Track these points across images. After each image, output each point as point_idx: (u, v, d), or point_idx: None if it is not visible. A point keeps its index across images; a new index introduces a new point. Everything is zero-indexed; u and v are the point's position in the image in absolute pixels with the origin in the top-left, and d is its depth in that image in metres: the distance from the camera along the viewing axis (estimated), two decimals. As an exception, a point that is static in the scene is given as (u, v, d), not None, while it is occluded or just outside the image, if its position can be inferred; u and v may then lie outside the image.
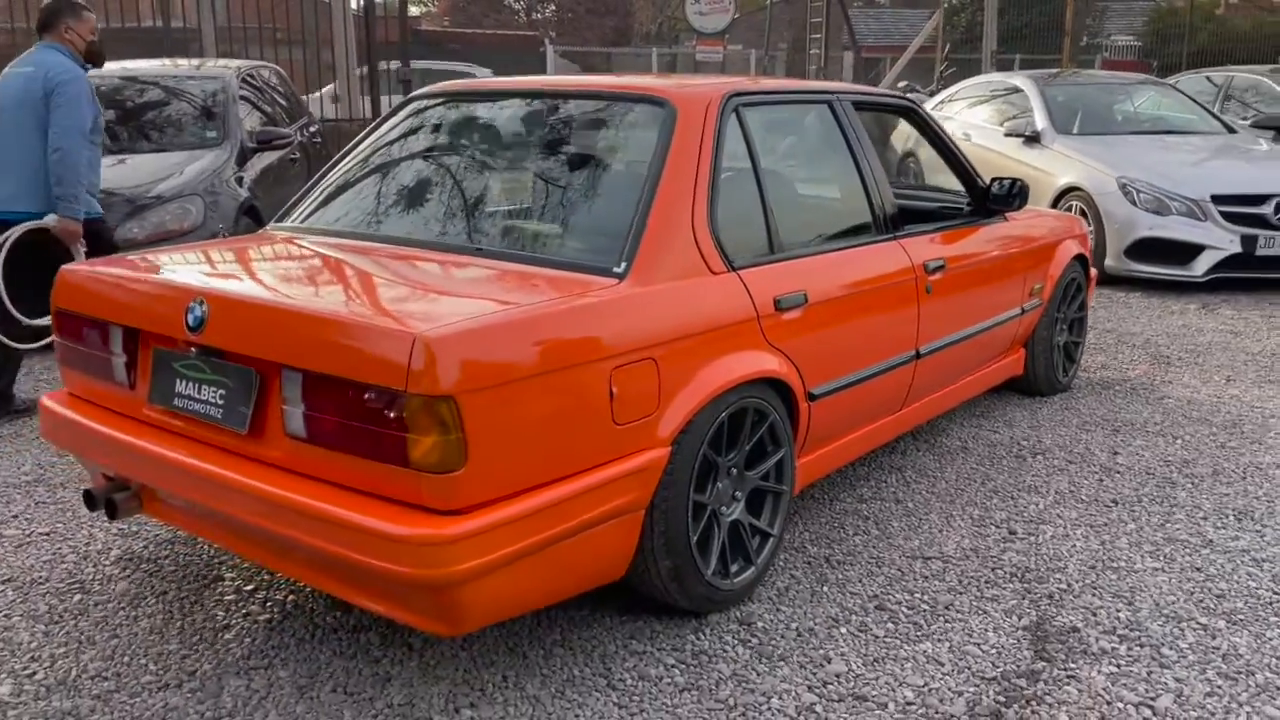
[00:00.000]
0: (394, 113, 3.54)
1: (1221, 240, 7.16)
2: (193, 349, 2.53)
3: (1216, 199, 7.18)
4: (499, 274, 2.65)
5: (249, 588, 3.05)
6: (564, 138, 3.13)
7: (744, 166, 3.05)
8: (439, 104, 3.50)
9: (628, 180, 2.85)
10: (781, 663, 2.64)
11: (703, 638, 2.76)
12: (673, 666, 2.63)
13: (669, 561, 2.66)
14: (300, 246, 3.04)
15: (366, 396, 2.20)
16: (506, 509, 2.24)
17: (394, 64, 11.28)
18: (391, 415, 2.17)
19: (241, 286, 2.65)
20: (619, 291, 2.54)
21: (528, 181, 3.07)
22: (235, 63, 8.05)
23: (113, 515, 2.82)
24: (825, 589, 3.02)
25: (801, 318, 3.02)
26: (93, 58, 4.71)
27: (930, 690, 2.52)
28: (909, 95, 5.14)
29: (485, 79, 3.12)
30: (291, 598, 2.99)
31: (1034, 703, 2.47)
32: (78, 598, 3.01)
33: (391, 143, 3.43)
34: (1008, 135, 8.78)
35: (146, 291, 2.69)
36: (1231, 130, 8.71)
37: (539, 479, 2.33)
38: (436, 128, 3.41)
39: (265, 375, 2.44)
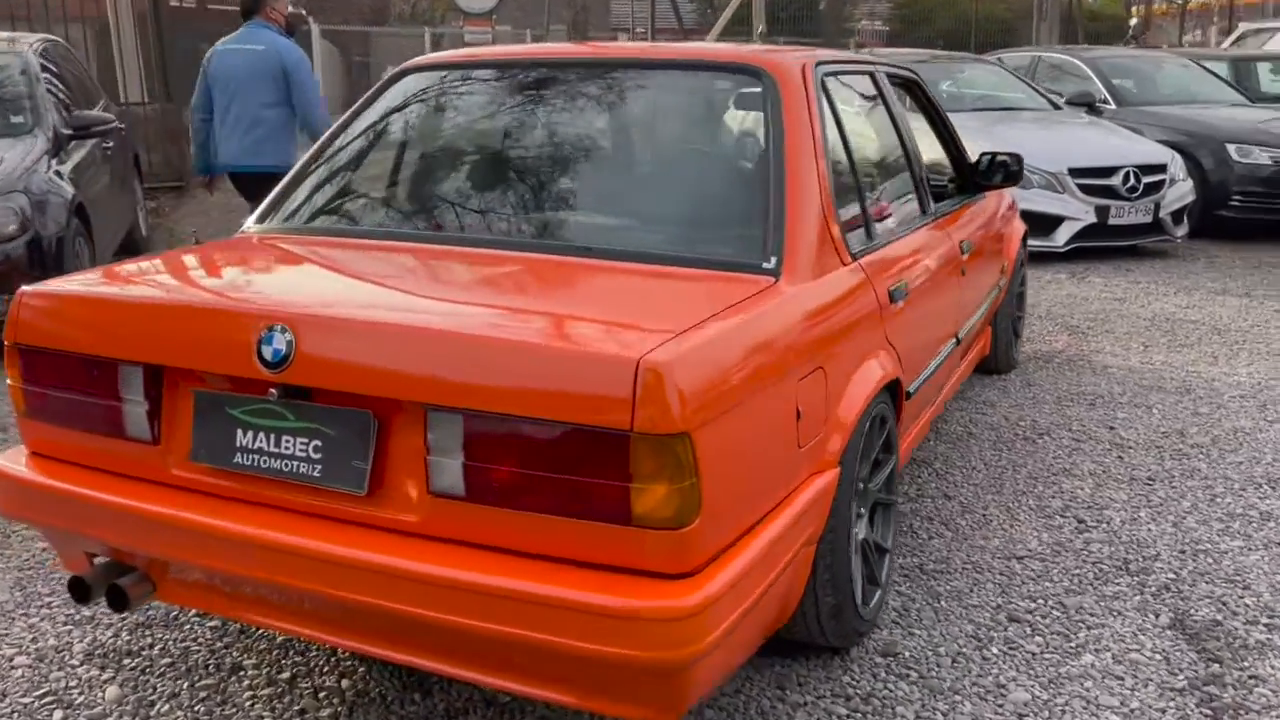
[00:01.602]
0: (386, 88, 2.96)
1: (1079, 211, 7.47)
2: (272, 390, 1.95)
3: (1073, 172, 7.49)
4: (637, 278, 2.21)
5: (284, 675, 2.47)
6: (648, 117, 2.70)
7: (836, 142, 2.73)
8: (463, 77, 2.95)
9: (742, 162, 2.48)
10: (958, 697, 2.37)
11: (856, 677, 2.45)
12: (848, 716, 2.30)
13: (831, 599, 2.33)
14: (345, 252, 2.46)
15: (568, 440, 1.74)
16: (733, 564, 1.84)
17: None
18: (606, 461, 1.73)
19: (341, 306, 2.06)
20: (783, 292, 2.18)
21: (620, 169, 2.63)
22: (28, 36, 6.90)
23: (122, 605, 2.19)
24: (943, 604, 2.77)
25: (902, 310, 2.74)
26: (290, 30, 5.57)
27: (1135, 712, 2.32)
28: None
29: (497, 47, 2.61)
30: (347, 682, 2.43)
31: (1240, 711, 2.32)
32: (60, 716, 2.34)
33: (414, 125, 2.87)
34: (753, 117, 8.85)
35: (187, 318, 2.06)
36: (1057, 107, 9.15)
37: (747, 522, 1.95)
38: (474, 107, 2.88)
39: (383, 419, 1.91)
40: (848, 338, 2.35)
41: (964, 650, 2.55)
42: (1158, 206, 7.65)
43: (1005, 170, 4.00)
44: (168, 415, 2.10)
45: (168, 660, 2.54)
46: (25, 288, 2.24)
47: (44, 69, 6.37)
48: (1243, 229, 8.60)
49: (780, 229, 2.28)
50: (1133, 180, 7.51)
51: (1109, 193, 7.51)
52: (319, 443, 1.95)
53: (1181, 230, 7.90)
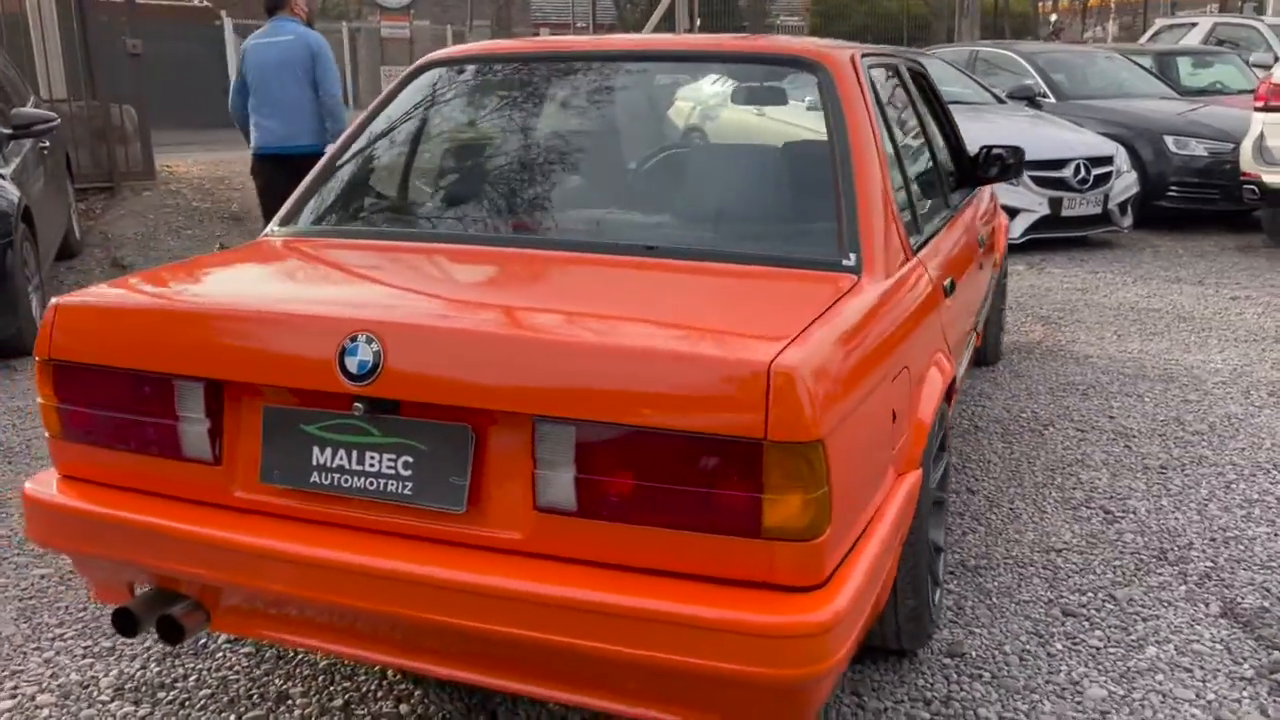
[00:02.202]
0: (406, 84, 2.82)
1: (1034, 203, 7.60)
2: (356, 405, 1.82)
3: (1027, 164, 7.59)
4: (718, 279, 2.13)
5: (336, 703, 2.34)
6: (702, 111, 2.62)
7: (884, 136, 2.68)
8: (494, 72, 2.82)
9: (805, 156, 2.42)
10: (1035, 696, 2.35)
11: (929, 679, 2.41)
12: (932, 721, 2.27)
13: (912, 601, 2.29)
14: (403, 256, 2.32)
15: (692, 450, 1.66)
16: (854, 575, 1.77)
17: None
18: (736, 472, 1.65)
19: (429, 313, 1.93)
20: (867, 290, 2.12)
21: (679, 166, 2.54)
22: (-49, 31, 6.52)
23: (176, 638, 2.05)
24: (995, 600, 2.75)
25: (951, 305, 2.72)
26: (310, 22, 6.09)
27: (1215, 703, 2.32)
28: None
29: (526, 40, 2.49)
30: (405, 707, 2.31)
31: (1313, 698, 2.35)
32: (101, 758, 2.18)
33: (448, 122, 2.74)
34: (810, 110, 8.88)
35: (257, 329, 1.92)
36: (1001, 100, 9.30)
37: (857, 530, 1.89)
38: (515, 102, 2.76)
39: (480, 432, 1.81)
40: (922, 336, 2.31)
41: (1028, 647, 2.54)
42: (1106, 198, 7.82)
43: (1002, 163, 4.01)
44: (230, 433, 1.96)
45: (206, 692, 2.39)
46: (60, 299, 2.07)
47: (-24, 65, 6.04)
48: (1179, 219, 8.85)
49: (854, 224, 2.22)
50: (1083, 172, 7.66)
51: (1061, 185, 7.65)
52: (409, 458, 1.83)
53: (1127, 221, 8.09)
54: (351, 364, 1.80)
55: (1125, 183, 8.02)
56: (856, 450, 1.83)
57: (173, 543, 1.96)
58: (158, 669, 2.48)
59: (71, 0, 9.51)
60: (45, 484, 2.13)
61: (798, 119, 2.51)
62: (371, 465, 1.85)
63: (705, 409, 1.65)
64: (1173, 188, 8.73)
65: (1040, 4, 32.64)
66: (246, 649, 2.56)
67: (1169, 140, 8.76)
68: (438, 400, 1.79)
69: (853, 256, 2.18)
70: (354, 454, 1.87)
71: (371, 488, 1.85)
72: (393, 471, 1.84)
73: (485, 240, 2.37)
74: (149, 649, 2.56)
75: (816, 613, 1.65)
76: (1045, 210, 7.58)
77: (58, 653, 2.55)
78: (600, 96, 2.67)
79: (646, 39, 2.81)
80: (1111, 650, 2.53)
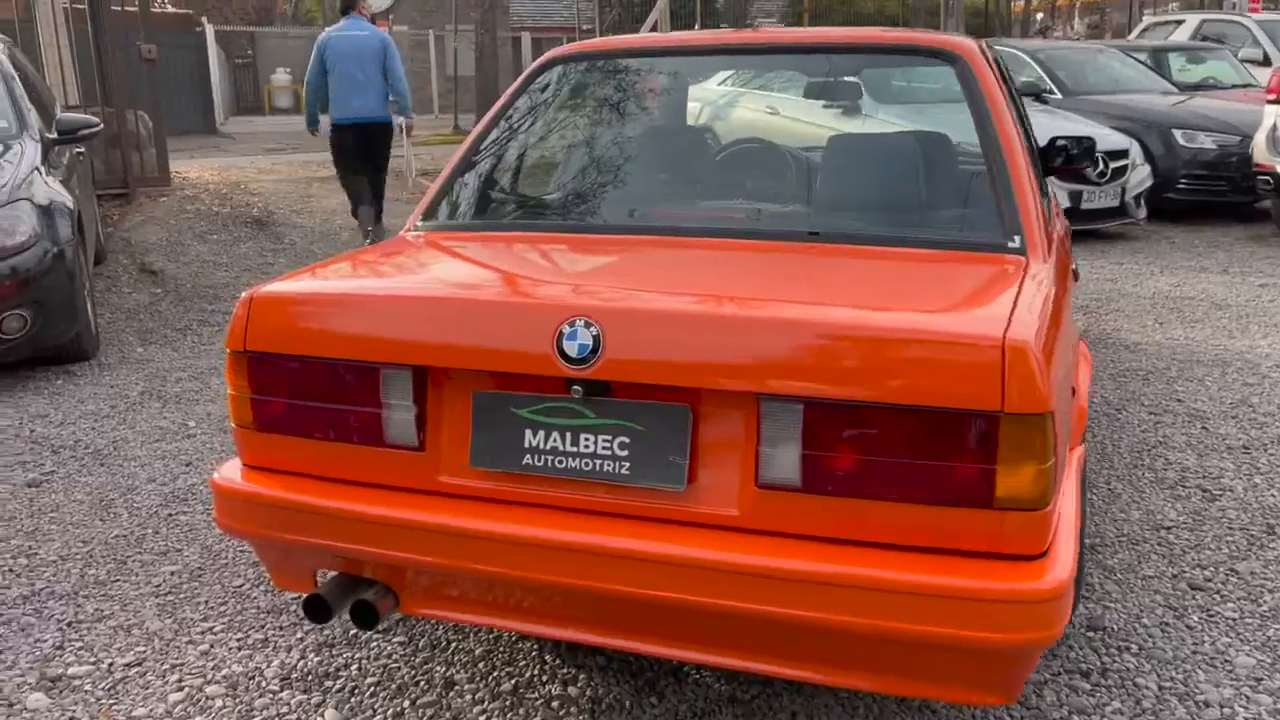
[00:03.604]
0: (533, 78, 2.86)
1: (1056, 196, 7.71)
2: (576, 388, 1.86)
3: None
4: (900, 262, 2.19)
5: (504, 687, 2.38)
6: (844, 100, 2.68)
7: (1018, 121, 2.75)
8: (629, 66, 2.87)
9: (956, 142, 2.48)
10: (1187, 665, 2.42)
11: (1079, 652, 2.48)
12: (1090, 692, 2.33)
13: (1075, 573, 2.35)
14: (577, 245, 2.37)
15: (923, 424, 1.71)
16: (1065, 543, 1.83)
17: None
18: (970, 444, 1.70)
19: (641, 297, 1.97)
20: (1037, 271, 2.18)
21: (825, 154, 2.59)
22: (-18, 36, 6.48)
23: (370, 622, 2.07)
24: (1120, 576, 2.83)
25: (1074, 288, 2.79)
26: (373, 19, 8.04)
27: (1362, 666, 2.41)
28: None
29: (657, 34, 2.53)
30: (575, 689, 2.35)
31: None
32: (287, 746, 2.20)
33: (587, 116, 2.78)
34: (826, 107, 8.97)
35: (471, 316, 1.95)
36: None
37: (1062, 502, 1.95)
38: (657, 94, 2.81)
39: (697, 410, 1.85)
40: (1072, 315, 2.38)
41: (1166, 620, 2.61)
42: (1124, 190, 7.96)
43: (1067, 154, 4.10)
44: (433, 419, 2.00)
45: (373, 680, 2.42)
46: (254, 290, 2.10)
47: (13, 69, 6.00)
48: (1188, 211, 9.01)
49: (1014, 208, 2.29)
50: (1102, 165, 7.79)
51: (1080, 178, 7.77)
52: (625, 439, 1.87)
53: (1142, 213, 8.24)
54: (571, 348, 1.84)
55: (1140, 175, 8.16)
56: (1060, 424, 1.89)
57: (379, 528, 1.99)
58: (317, 659, 2.50)
59: (86, 7, 9.44)
60: (233, 473, 2.16)
61: (938, 107, 2.57)
62: (586, 446, 1.89)
63: (937, 383, 1.70)
64: (1182, 180, 8.90)
65: (1013, 3, 33.03)
66: (399, 637, 2.59)
67: (1178, 134, 8.92)
68: (658, 381, 1.83)
69: (1017, 239, 2.24)
70: (568, 436, 1.90)
71: (587, 468, 1.89)
72: (609, 452, 1.88)
73: (648, 230, 2.41)
74: (302, 640, 2.59)
75: (1045, 579, 1.71)
76: (1065, 203, 7.71)
77: (212, 645, 2.57)
78: (736, 89, 2.72)
79: (775, 32, 2.87)
80: (1248, 621, 2.60)
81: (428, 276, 2.22)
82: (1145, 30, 15.48)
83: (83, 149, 6.45)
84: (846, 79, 3.19)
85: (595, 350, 1.83)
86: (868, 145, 2.66)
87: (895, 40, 2.72)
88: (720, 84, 4.73)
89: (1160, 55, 12.14)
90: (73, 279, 4.89)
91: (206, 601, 2.78)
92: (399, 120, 8.08)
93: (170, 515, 3.33)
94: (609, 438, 1.88)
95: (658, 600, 1.83)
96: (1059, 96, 9.89)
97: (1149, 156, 8.73)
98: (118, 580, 2.92)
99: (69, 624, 2.69)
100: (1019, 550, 1.74)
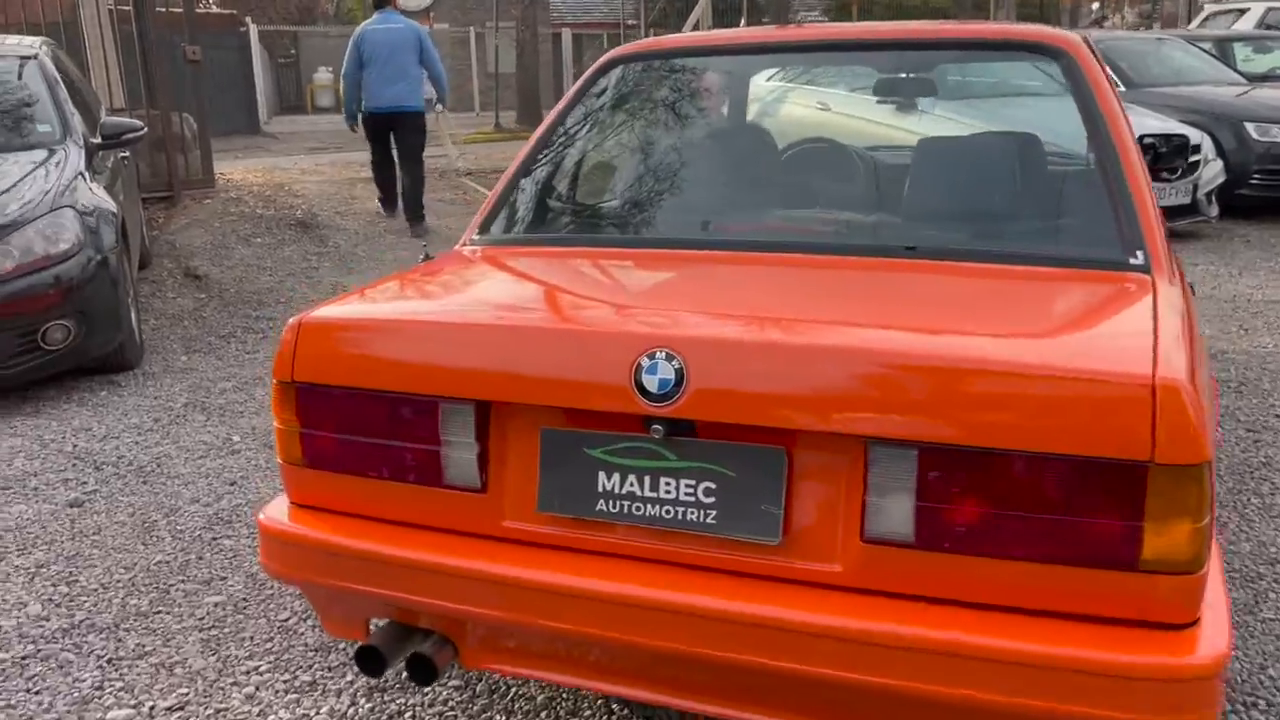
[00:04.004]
0: (594, 81, 2.67)
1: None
2: (656, 427, 1.67)
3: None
4: (1010, 281, 1.98)
5: (571, 741, 2.19)
6: (941, 100, 2.47)
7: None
8: (688, 66, 2.68)
9: (1065, 147, 2.27)
10: (1322, 723, 2.19)
11: (1200, 706, 2.25)
12: None
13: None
14: (649, 263, 2.18)
15: (1057, 474, 1.50)
16: (1219, 608, 1.61)
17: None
18: (1113, 497, 1.49)
19: (727, 326, 1.77)
20: (1166, 290, 1.96)
21: (915, 158, 2.39)
22: (27, 39, 6.40)
23: (429, 678, 1.90)
24: (1238, 617, 2.59)
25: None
26: (404, 12, 8.32)
27: None
28: None
29: (724, 31, 2.35)
30: (648, 746, 2.16)
31: None
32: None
33: (654, 120, 2.59)
34: (881, 103, 8.71)
35: (540, 346, 1.76)
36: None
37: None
38: (726, 96, 2.61)
39: (793, 455, 1.66)
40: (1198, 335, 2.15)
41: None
42: (1195, 187, 7.62)
43: (1155, 152, 3.86)
44: (497, 458, 1.81)
45: (437, 729, 2.25)
46: (303, 316, 1.93)
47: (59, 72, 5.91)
48: (1261, 207, 8.64)
49: (1134, 220, 2.07)
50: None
51: (1151, 174, 7.45)
52: (710, 484, 1.68)
53: (1214, 210, 7.90)
54: (650, 383, 1.65)
55: (1212, 171, 7.82)
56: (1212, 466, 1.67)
57: (437, 577, 1.81)
58: (369, 705, 2.34)
59: (130, 8, 9.39)
60: (279, 513, 1.99)
61: (1042, 107, 2.35)
62: (667, 492, 1.70)
63: (1074, 428, 1.49)
64: (1256, 175, 8.54)
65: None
66: (455, 681, 2.41)
67: (1250, 127, 8.57)
68: (749, 421, 1.63)
69: (1139, 254, 2.02)
70: (646, 480, 1.72)
71: (668, 516, 1.70)
72: (692, 498, 1.69)
73: (725, 244, 2.21)
74: (352, 683, 2.42)
75: (1199, 653, 1.50)
76: (1135, 201, 7.40)
77: (257, 688, 2.42)
78: (816, 88, 2.52)
79: (861, 27, 2.66)
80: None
81: (490, 300, 2.04)
82: (1207, 19, 15.01)
83: (127, 153, 6.36)
84: (921, 76, 2.98)
85: (678, 385, 1.64)
86: (961, 148, 2.44)
87: (993, 35, 2.50)
88: (768, 79, 4.59)
89: (1224, 45, 11.73)
90: (116, 287, 4.78)
91: (251, 637, 2.63)
92: (439, 107, 8.68)
93: (214, 539, 3.19)
94: (693, 483, 1.69)
95: (748, 665, 1.64)
96: (1123, 89, 9.53)
97: (1220, 151, 8.38)
98: (160, 611, 2.77)
99: (109, 660, 2.54)
100: (1166, 618, 1.53)
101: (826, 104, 8.31)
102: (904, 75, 2.97)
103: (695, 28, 15.28)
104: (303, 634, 2.64)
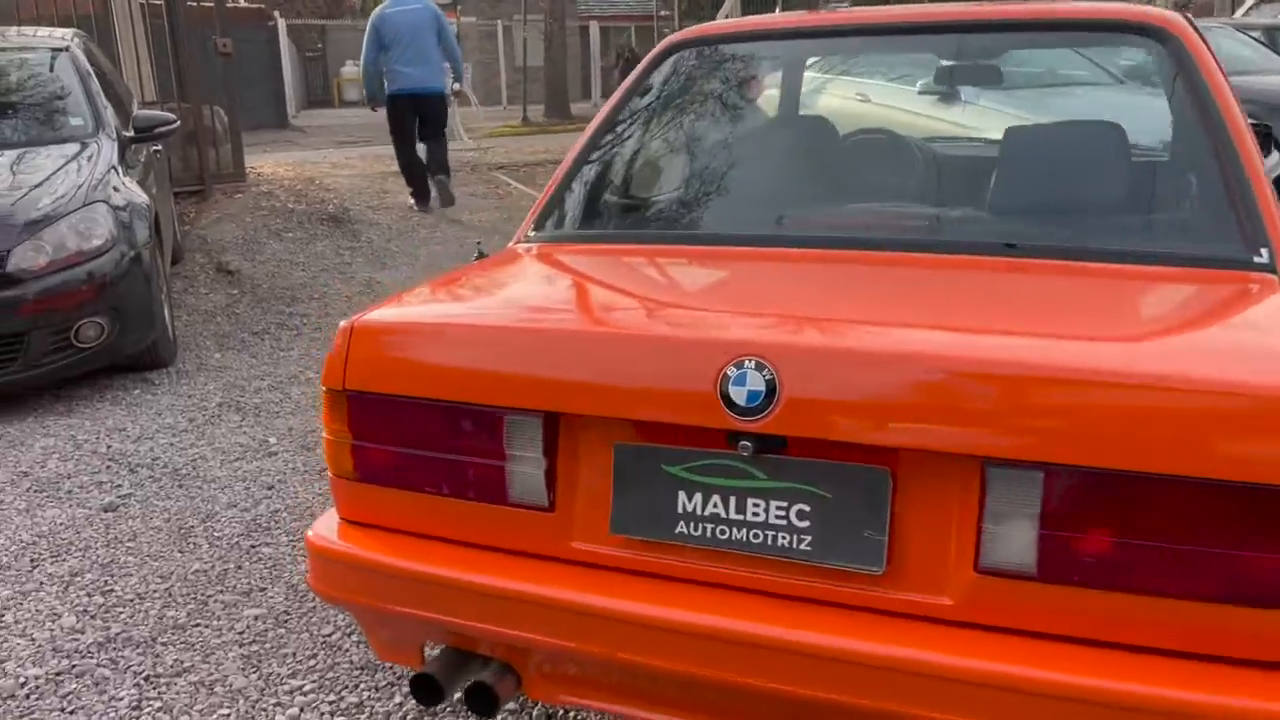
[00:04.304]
0: (653, 68, 2.51)
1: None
2: (744, 443, 1.52)
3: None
4: (1113, 281, 1.82)
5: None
6: (1032, 83, 2.31)
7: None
8: (755, 51, 2.52)
9: (1174, 137, 2.10)
10: None
11: None
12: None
13: None
14: (711, 262, 2.03)
15: (1207, 501, 1.34)
16: None
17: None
18: (1268, 527, 1.33)
19: (827, 332, 1.62)
20: (1294, 293, 1.79)
21: (1004, 147, 2.22)
22: (58, 31, 6.32)
23: (489, 709, 1.76)
24: None
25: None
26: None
27: None
28: None
29: (788, 15, 2.21)
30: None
31: None
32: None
33: (721, 109, 2.44)
34: (921, 94, 8.52)
35: (615, 352, 1.62)
36: (1121, 81, 8.86)
37: None
38: (780, 84, 2.46)
39: (898, 475, 1.50)
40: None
41: None
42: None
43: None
44: (566, 474, 1.67)
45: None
46: (356, 319, 1.79)
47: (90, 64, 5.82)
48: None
49: (1255, 213, 1.89)
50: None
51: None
52: (805, 506, 1.53)
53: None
54: (738, 394, 1.50)
55: (1273, 161, 7.57)
56: None
57: (501, 603, 1.67)
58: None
59: (162, 2, 9.32)
60: (329, 530, 1.86)
61: (1144, 93, 2.18)
62: (755, 514, 1.56)
63: (1223, 449, 1.33)
64: (1311, 168, 8.28)
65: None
66: (510, 706, 2.28)
67: (1309, 118, 8.30)
68: (848, 438, 1.48)
69: (1264, 252, 1.85)
70: (732, 501, 1.57)
71: (756, 541, 1.56)
72: (783, 522, 1.54)
73: (803, 241, 2.06)
74: (401, 705, 2.29)
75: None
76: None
77: (302, 710, 2.29)
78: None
79: (936, 8, 2.49)
80: None
81: (556, 302, 1.90)
82: (1252, 8, 14.66)
83: (160, 146, 6.26)
84: (987, 63, 2.81)
85: (769, 398, 1.49)
86: (1056, 137, 2.28)
87: (1084, 15, 2.33)
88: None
89: (1274, 33, 11.43)
90: (150, 283, 4.68)
91: (294, 654, 2.50)
92: (454, 86, 8.76)
93: (252, 547, 3.07)
94: (784, 504, 1.54)
95: (845, 706, 1.49)
96: (1171, 79, 9.30)
97: (1276, 143, 8.12)
98: (198, 625, 2.65)
99: (146, 678, 2.43)
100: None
101: (866, 95, 8.06)
102: (973, 63, 2.81)
103: (729, 15, 15.08)
104: (347, 650, 2.51)
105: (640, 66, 2.54)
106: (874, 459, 1.50)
